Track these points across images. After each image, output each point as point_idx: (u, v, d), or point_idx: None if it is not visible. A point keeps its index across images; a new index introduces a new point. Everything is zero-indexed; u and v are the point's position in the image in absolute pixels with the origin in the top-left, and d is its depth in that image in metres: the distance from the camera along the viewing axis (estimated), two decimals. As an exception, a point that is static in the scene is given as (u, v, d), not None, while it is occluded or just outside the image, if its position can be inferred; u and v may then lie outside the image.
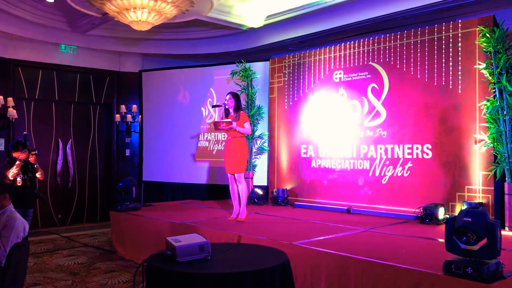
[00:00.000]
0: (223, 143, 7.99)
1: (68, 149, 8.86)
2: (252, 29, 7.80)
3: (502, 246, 3.00)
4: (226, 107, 5.78)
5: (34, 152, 5.76)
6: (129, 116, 9.09)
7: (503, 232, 3.33)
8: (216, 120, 5.81)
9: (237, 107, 5.78)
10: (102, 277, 5.22)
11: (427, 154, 5.87)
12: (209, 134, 8.42)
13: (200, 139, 8.53)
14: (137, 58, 9.49)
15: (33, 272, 5.39)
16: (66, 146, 8.84)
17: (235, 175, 5.75)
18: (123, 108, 9.10)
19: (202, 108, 8.52)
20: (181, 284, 2.55)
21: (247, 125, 5.74)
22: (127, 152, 9.41)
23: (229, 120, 5.65)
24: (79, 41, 8.48)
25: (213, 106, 6.09)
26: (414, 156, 5.98)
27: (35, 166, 5.80)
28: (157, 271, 2.69)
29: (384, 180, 6.25)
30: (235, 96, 5.83)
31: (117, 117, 9.06)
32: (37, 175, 5.86)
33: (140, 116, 9.15)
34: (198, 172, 8.48)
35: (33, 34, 7.82)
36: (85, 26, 7.85)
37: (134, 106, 9.14)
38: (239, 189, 5.75)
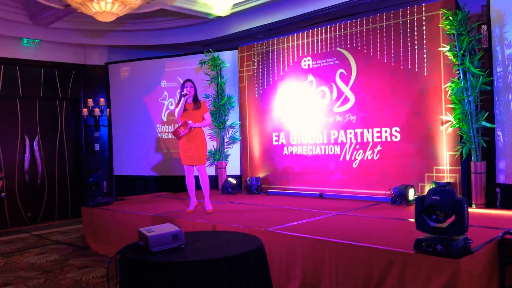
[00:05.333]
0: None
1: (35, 145, 8.64)
2: (219, 17, 7.74)
3: (469, 222, 3.09)
4: (189, 95, 5.51)
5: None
6: (97, 110, 8.91)
7: (470, 210, 3.42)
8: (173, 129, 5.45)
9: (196, 96, 5.61)
10: (75, 273, 5.14)
11: (396, 137, 5.97)
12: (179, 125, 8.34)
13: (170, 130, 8.44)
14: (103, 50, 9.30)
15: (4, 272, 5.27)
16: (33, 143, 8.62)
17: (196, 166, 5.56)
18: (90, 102, 8.91)
19: (172, 99, 8.43)
20: (155, 274, 2.53)
21: (207, 116, 5.54)
22: (97, 147, 9.24)
23: (184, 121, 5.37)
24: (41, 35, 8.24)
25: (182, 96, 5.72)
26: (383, 140, 6.08)
27: None
28: (130, 262, 2.67)
29: (355, 164, 6.34)
30: (194, 84, 5.61)
31: (85, 111, 8.88)
32: None
33: (108, 109, 9.00)
34: (170, 164, 8.41)
35: (-8, 28, 7.58)
36: (47, 19, 7.63)
37: (102, 99, 8.97)
38: (202, 181, 5.55)
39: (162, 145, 8.53)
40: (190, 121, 5.39)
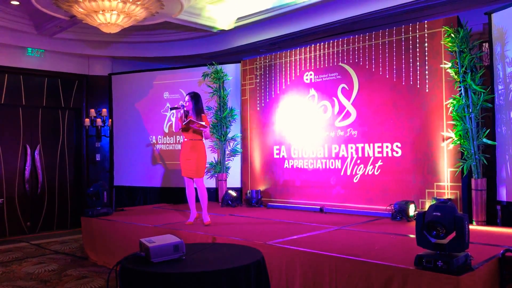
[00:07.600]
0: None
1: (37, 155, 8.65)
2: (223, 31, 7.81)
3: (470, 239, 3.09)
4: (185, 109, 5.58)
5: None
6: (99, 120, 8.95)
7: (470, 227, 3.42)
8: (191, 119, 5.48)
9: (197, 109, 5.60)
10: (74, 284, 5.11)
11: (397, 153, 5.98)
12: (180, 137, 8.36)
13: (171, 142, 8.46)
14: (107, 61, 9.36)
15: (2, 281, 5.24)
16: (34, 152, 8.63)
17: (195, 179, 5.59)
18: (92, 112, 8.95)
19: (173, 111, 8.44)
20: (156, 285, 2.52)
21: (207, 130, 5.60)
22: (98, 157, 9.25)
23: (203, 123, 5.46)
24: (46, 45, 8.32)
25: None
26: (384, 155, 6.09)
27: None
28: (131, 272, 2.66)
29: (356, 179, 6.34)
30: (194, 97, 5.61)
31: (87, 121, 8.91)
32: None
33: (110, 120, 9.03)
34: (170, 175, 8.42)
35: (-2, 38, 7.64)
36: (52, 29, 7.70)
37: (104, 110, 9.01)
38: (200, 193, 5.58)
39: (163, 157, 8.54)
40: (203, 122, 5.46)
